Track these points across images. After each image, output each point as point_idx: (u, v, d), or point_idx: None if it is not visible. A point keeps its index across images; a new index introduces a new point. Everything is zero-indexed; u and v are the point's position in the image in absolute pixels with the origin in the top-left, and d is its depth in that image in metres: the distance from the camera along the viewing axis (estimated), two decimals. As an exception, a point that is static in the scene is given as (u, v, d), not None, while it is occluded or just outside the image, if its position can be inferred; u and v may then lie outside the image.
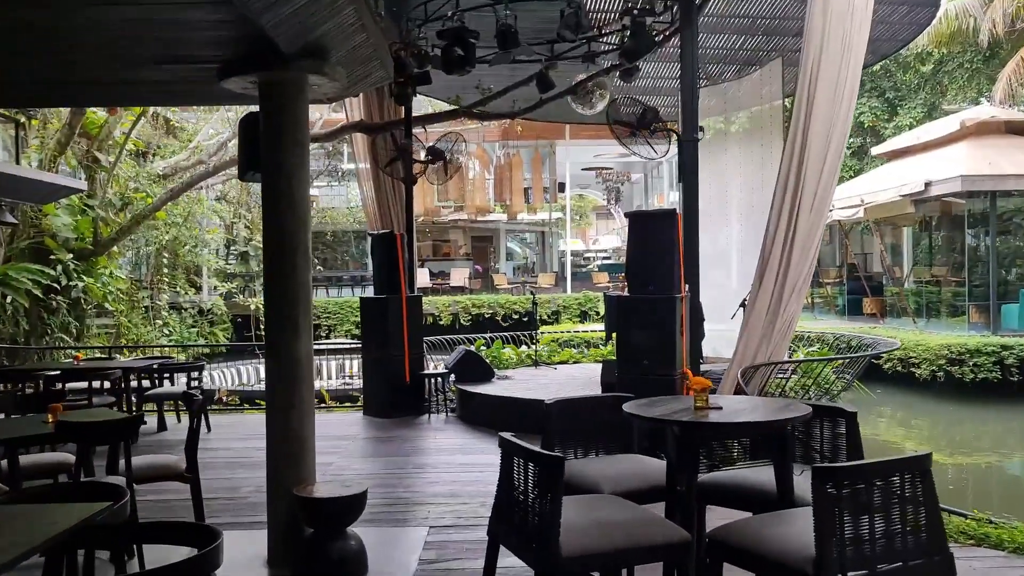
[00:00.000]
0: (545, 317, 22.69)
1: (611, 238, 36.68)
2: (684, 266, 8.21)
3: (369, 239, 10.66)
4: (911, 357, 14.31)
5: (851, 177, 22.05)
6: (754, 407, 3.40)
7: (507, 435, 2.92)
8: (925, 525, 2.56)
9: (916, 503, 2.53)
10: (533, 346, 12.31)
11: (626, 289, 7.92)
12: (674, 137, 8.49)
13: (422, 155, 10.27)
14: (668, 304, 7.50)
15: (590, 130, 21.47)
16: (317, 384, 15.04)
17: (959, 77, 22.58)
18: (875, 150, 20.68)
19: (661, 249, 7.60)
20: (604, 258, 34.81)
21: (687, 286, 8.32)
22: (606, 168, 31.97)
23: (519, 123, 21.63)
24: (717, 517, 3.45)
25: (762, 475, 3.27)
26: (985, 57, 22.13)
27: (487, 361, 10.26)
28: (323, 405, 11.19)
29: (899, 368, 14.59)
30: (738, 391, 7.27)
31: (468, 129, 23.58)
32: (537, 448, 2.73)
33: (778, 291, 7.71)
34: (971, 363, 13.51)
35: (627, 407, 3.30)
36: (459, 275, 26.08)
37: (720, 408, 3.16)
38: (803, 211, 7.69)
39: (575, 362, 12.24)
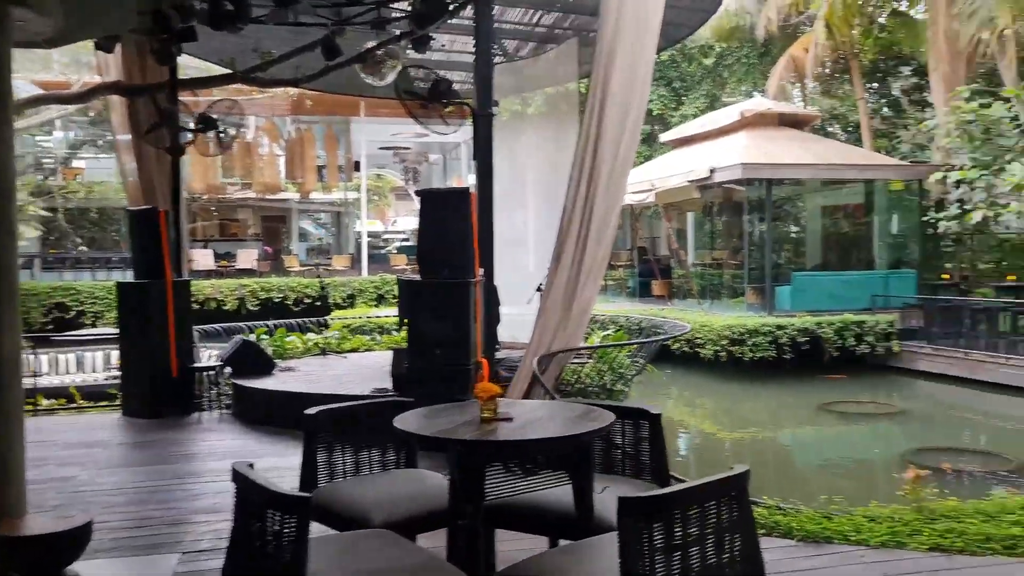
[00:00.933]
0: (340, 301, 21.74)
1: (410, 219, 36.06)
2: (479, 248, 7.80)
3: (128, 217, 9.40)
4: (697, 338, 14.81)
5: (642, 162, 22.74)
6: (551, 415, 2.97)
7: (242, 465, 2.27)
8: (741, 552, 2.20)
9: (734, 529, 2.15)
10: (321, 333, 11.51)
11: (418, 273, 7.38)
12: (470, 113, 8.02)
13: (192, 124, 9.16)
14: (462, 289, 7.03)
15: (387, 108, 20.67)
16: (79, 379, 13.41)
17: (737, 71, 23.86)
18: (663, 137, 21.42)
19: (454, 230, 7.11)
20: (403, 240, 34.19)
21: (482, 270, 7.91)
22: (404, 148, 31.25)
23: (309, 96, 20.46)
24: (510, 544, 2.98)
25: (561, 492, 2.82)
26: (760, 54, 23.51)
27: (267, 352, 9.37)
28: (73, 406, 9.80)
29: (686, 349, 15.07)
30: (533, 382, 6.93)
31: (255, 100, 22.07)
32: (277, 487, 2.11)
33: (574, 275, 7.45)
34: (750, 343, 14.15)
35: (401, 421, 2.74)
36: (247, 257, 24.49)
37: (510, 419, 2.68)
38: (599, 194, 7.46)
39: (367, 350, 11.55)
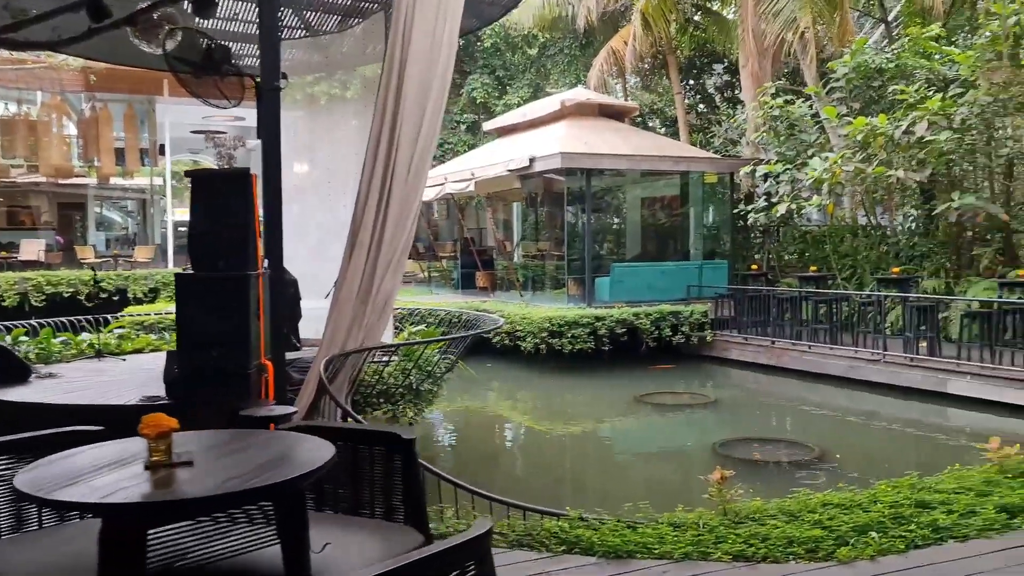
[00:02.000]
0: (141, 295, 19.95)
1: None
2: (265, 238, 6.98)
3: None
4: (518, 331, 14.49)
5: (465, 151, 22.31)
6: (244, 456, 2.26)
7: None
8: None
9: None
10: (100, 332, 10.22)
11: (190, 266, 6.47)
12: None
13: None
14: (241, 283, 6.21)
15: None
16: None
17: (560, 62, 23.86)
18: (486, 125, 21.04)
19: (233, 218, 6.27)
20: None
21: (267, 261, 7.10)
22: (218, 132, 29.28)
23: (93, 70, 18.55)
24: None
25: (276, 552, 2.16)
26: (582, 45, 23.62)
27: (20, 356, 8.10)
28: None
29: (507, 342, 14.72)
30: (320, 389, 6.22)
31: (40, 73, 19.86)
32: None
33: (370, 268, 6.79)
34: (569, 335, 13.98)
35: (21, 480, 1.97)
36: (32, 248, 22.07)
37: (190, 464, 2.00)
38: (397, 181, 6.83)
39: (153, 350, 10.37)
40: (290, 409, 5.95)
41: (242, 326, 6.22)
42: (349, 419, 5.69)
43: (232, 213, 6.26)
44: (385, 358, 7.92)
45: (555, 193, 18.77)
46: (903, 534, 4.50)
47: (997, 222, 13.56)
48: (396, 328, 10.18)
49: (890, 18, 20.43)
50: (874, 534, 4.49)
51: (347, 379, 7.04)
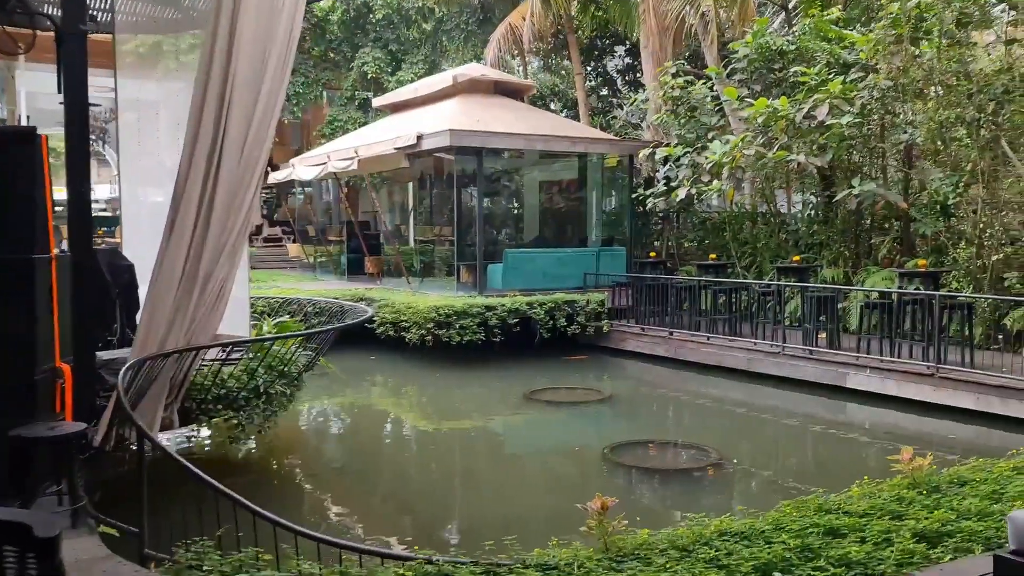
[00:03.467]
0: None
1: (103, 187, 31.75)
2: (70, 215, 5.78)
3: None
4: (402, 321, 13.46)
5: (356, 129, 21.05)
6: None
7: None
8: None
9: None
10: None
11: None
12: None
13: None
14: (21, 270, 5.02)
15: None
16: None
17: (457, 37, 22.80)
18: (376, 102, 19.80)
19: (10, 188, 5.06)
20: (100, 211, 29.86)
21: (63, 241, 5.91)
22: (92, 104, 27.05)
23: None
24: None
25: None
26: (480, 21, 22.61)
27: None
28: None
29: (391, 333, 13.68)
30: (118, 403, 5.08)
31: None
32: None
33: (196, 251, 5.66)
34: (457, 326, 13.03)
35: None
36: None
37: None
38: (229, 154, 5.70)
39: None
40: (77, 427, 4.80)
41: (24, 322, 5.04)
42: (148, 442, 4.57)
43: (9, 183, 5.05)
44: (224, 355, 6.79)
45: (447, 174, 17.75)
46: (811, 573, 3.74)
47: (895, 211, 13.27)
48: (253, 323, 9.03)
49: (790, 5, 20.14)
50: (778, 575, 3.72)
51: (168, 383, 5.90)
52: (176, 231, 5.56)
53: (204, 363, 6.47)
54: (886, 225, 14.03)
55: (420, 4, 22.23)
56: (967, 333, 10.33)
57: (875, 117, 12.66)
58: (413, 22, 22.89)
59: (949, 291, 11.23)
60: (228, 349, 6.80)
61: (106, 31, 8.63)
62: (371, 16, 22.72)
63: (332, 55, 23.36)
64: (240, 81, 5.68)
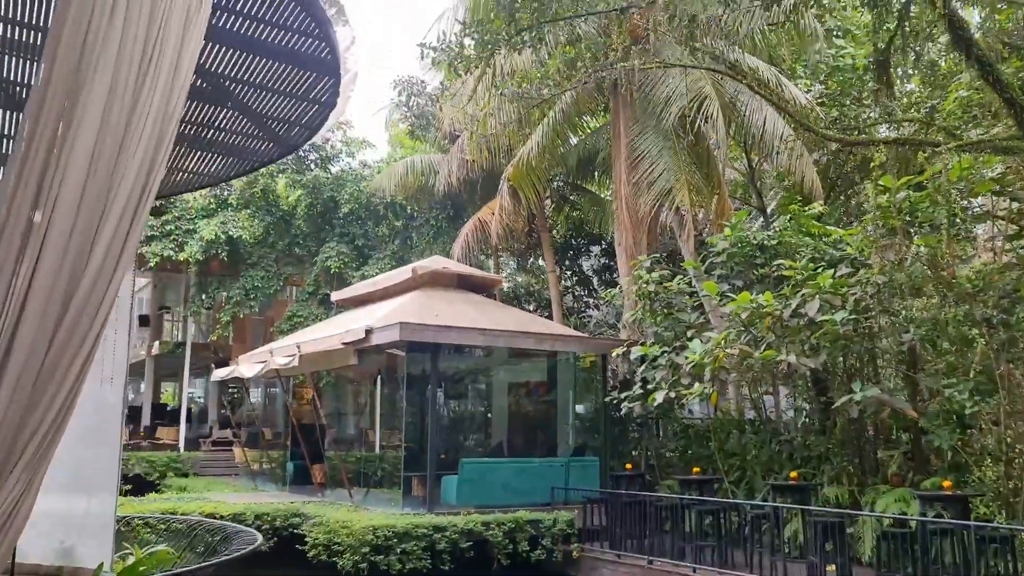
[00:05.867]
0: None
1: None
2: None
3: None
4: (335, 543, 11.39)
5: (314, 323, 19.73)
6: None
7: None
8: None
9: None
10: None
11: None
12: None
13: None
14: None
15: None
16: None
17: (426, 233, 22.10)
18: (335, 296, 18.58)
19: None
20: None
21: None
22: None
23: None
24: None
25: None
26: (449, 217, 22.02)
27: None
28: None
29: (324, 556, 11.57)
30: None
31: None
32: None
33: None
34: (399, 550, 11.01)
35: None
36: None
37: None
38: (43, 272, 4.11)
39: None
40: None
41: None
42: None
43: None
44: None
45: (403, 372, 16.20)
46: None
47: (904, 420, 11.68)
48: (121, 553, 7.09)
49: (769, 210, 19.64)
50: None
51: None
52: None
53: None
54: (893, 437, 12.40)
55: (390, 199, 21.70)
56: (1011, 570, 8.45)
57: (872, 314, 11.38)
58: (382, 217, 22.27)
59: (977, 517, 9.45)
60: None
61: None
62: (338, 211, 22.11)
63: (296, 250, 22.51)
64: (73, 159, 4.17)
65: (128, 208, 3.98)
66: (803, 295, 11.28)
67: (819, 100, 17.25)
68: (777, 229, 13.94)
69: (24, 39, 6.14)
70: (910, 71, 15.38)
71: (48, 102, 3.72)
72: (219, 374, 17.16)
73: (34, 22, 5.57)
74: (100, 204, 3.87)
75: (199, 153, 9.16)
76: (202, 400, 30.25)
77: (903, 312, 11.37)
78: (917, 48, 13.29)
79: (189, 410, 23.82)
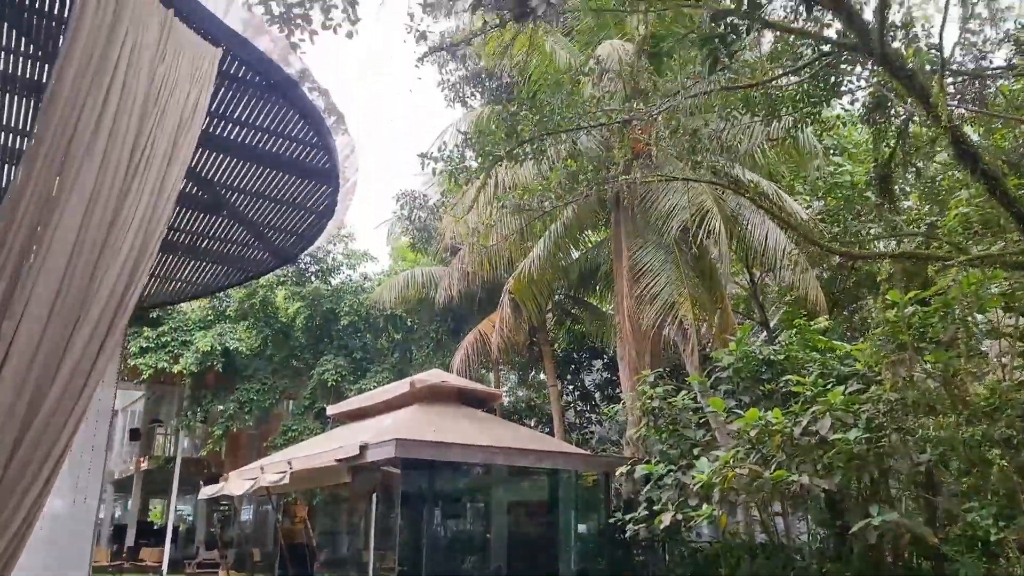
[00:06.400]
0: None
1: None
2: None
3: None
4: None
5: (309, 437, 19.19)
6: None
7: None
8: None
9: None
10: None
11: None
12: None
13: None
14: None
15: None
16: None
17: (426, 346, 21.82)
18: (331, 410, 18.11)
19: None
20: None
21: None
22: None
23: None
24: None
25: None
26: (450, 330, 21.79)
27: None
28: None
29: None
30: None
31: None
32: None
33: None
34: None
35: None
36: None
37: None
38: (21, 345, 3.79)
39: None
40: None
41: None
42: None
43: None
44: None
45: (397, 490, 15.58)
46: None
47: (925, 547, 11.08)
48: None
49: (772, 324, 19.44)
50: None
51: None
52: None
53: None
54: (915, 563, 11.75)
55: (389, 311, 21.52)
56: None
57: (887, 432, 10.97)
58: (382, 329, 22.06)
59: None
60: None
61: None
62: (337, 323, 21.90)
63: (294, 362, 22.20)
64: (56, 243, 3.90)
65: (104, 317, 3.73)
66: (814, 412, 10.90)
67: (819, 216, 17.30)
68: (782, 344, 13.65)
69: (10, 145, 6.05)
70: (907, 188, 15.47)
71: (24, 204, 3.53)
72: (207, 492, 16.52)
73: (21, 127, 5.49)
74: (74, 313, 3.62)
75: (194, 262, 9.06)
76: (191, 518, 29.25)
77: (919, 431, 10.96)
78: (919, 164, 13.38)
79: (176, 529, 22.95)
